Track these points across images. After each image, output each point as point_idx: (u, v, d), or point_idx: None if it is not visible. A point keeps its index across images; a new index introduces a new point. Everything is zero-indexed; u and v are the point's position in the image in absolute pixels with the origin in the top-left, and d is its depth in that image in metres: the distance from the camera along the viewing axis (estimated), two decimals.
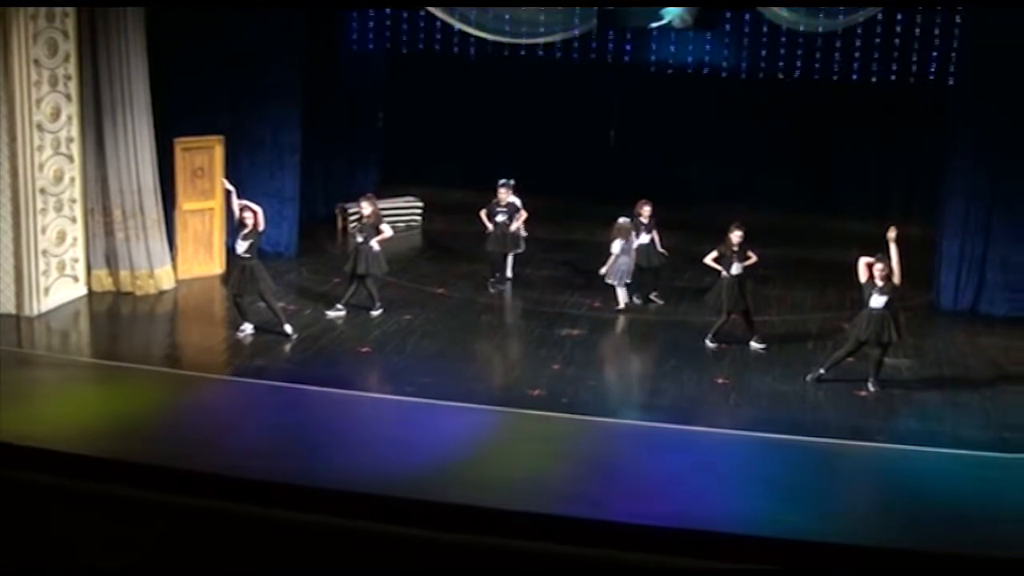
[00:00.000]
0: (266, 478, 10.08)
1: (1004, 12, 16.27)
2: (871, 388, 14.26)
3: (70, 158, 16.57)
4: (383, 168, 23.38)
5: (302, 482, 10.01)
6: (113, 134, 16.77)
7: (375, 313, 16.57)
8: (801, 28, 19.56)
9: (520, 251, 18.24)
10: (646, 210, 17.23)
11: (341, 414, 13.46)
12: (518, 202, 17.94)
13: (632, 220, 17.21)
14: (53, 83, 16.13)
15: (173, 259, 17.74)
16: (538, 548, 5.31)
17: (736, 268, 15.49)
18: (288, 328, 15.60)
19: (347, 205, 20.76)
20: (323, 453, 12.04)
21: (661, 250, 17.40)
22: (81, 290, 16.99)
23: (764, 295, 17.30)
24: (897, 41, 19.94)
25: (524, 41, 20.72)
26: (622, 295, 17.06)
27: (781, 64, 20.65)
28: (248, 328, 15.71)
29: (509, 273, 18.20)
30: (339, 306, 16.61)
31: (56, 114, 16.23)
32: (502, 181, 17.88)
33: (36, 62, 15.75)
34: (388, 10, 21.37)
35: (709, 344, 15.66)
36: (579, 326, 16.49)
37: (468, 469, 11.80)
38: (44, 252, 16.25)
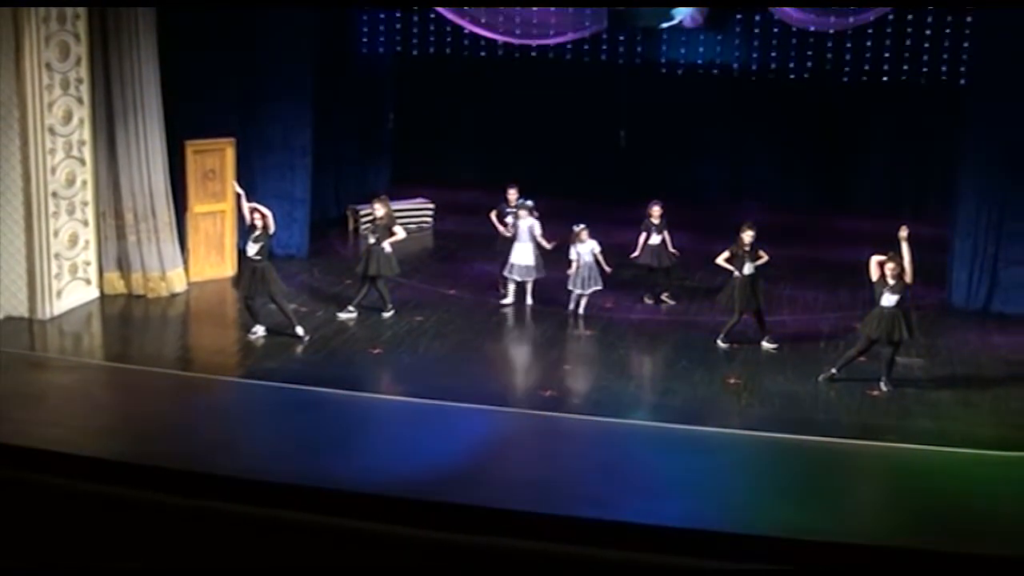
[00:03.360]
0: (278, 480, 10.08)
1: (1016, 11, 16.23)
2: (883, 387, 14.24)
3: (82, 161, 16.61)
4: (394, 170, 23.41)
5: (314, 484, 10.01)
6: (125, 137, 16.81)
7: (387, 314, 16.58)
8: (811, 28, 19.52)
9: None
10: (656, 210, 17.22)
11: (353, 416, 13.48)
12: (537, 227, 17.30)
13: (644, 221, 17.25)
14: (65, 86, 16.18)
15: (185, 261, 17.78)
16: (550, 549, 5.31)
17: (748, 268, 15.47)
18: (299, 330, 15.63)
19: (358, 207, 20.79)
20: (335, 455, 12.05)
21: (672, 250, 17.39)
22: (93, 293, 17.03)
23: (776, 295, 17.28)
24: (909, 40, 19.88)
25: (534, 42, 20.71)
26: (582, 304, 16.98)
27: (792, 63, 20.60)
28: (260, 330, 15.73)
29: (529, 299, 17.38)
30: (351, 308, 16.62)
31: (68, 117, 16.28)
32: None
33: (48, 66, 15.81)
34: (398, 12, 21.37)
35: (721, 344, 15.64)
36: (590, 326, 16.48)
37: (480, 470, 11.80)
38: (56, 255, 16.29)
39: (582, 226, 16.81)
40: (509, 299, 17.27)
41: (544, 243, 17.10)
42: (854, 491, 12.08)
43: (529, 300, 17.22)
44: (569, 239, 16.80)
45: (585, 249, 16.77)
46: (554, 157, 23.29)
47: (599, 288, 16.88)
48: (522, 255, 17.12)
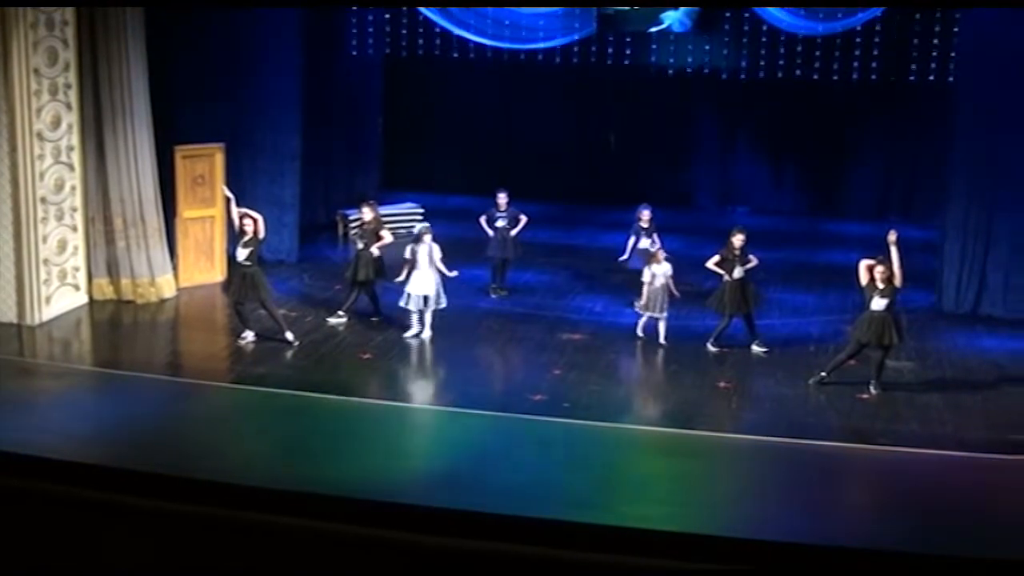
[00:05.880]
0: (268, 485, 10.06)
1: (1003, 12, 16.28)
2: (873, 391, 14.25)
3: (71, 167, 16.58)
4: (383, 174, 23.39)
5: (304, 489, 9.99)
6: (114, 142, 16.79)
7: (376, 319, 16.55)
8: (800, 32, 19.57)
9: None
10: (646, 214, 17.23)
11: (343, 420, 13.46)
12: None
13: (633, 225, 17.26)
14: (53, 92, 16.14)
15: (174, 267, 17.74)
16: (540, 553, 5.29)
17: (738, 271, 15.48)
18: (289, 335, 15.60)
19: (347, 211, 20.77)
20: (325, 460, 12.04)
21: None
22: (82, 299, 16.99)
23: (765, 298, 17.28)
24: (897, 43, 19.93)
25: (523, 46, 20.73)
26: (640, 325, 16.04)
27: (781, 67, 20.64)
28: (250, 335, 15.71)
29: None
30: (340, 313, 16.60)
31: (56, 123, 16.24)
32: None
33: (36, 71, 15.77)
34: (387, 14, 21.35)
35: (711, 348, 15.64)
36: (580, 331, 16.48)
37: (470, 474, 11.80)
38: (45, 261, 16.25)
39: (658, 246, 16.22)
40: (414, 330, 15.87)
41: (445, 270, 15.81)
42: (845, 495, 12.10)
43: (428, 332, 15.83)
44: (646, 260, 16.07)
45: (660, 271, 15.84)
46: (543, 161, 23.30)
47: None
48: (422, 284, 15.75)
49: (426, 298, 15.79)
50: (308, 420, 13.37)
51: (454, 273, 15.89)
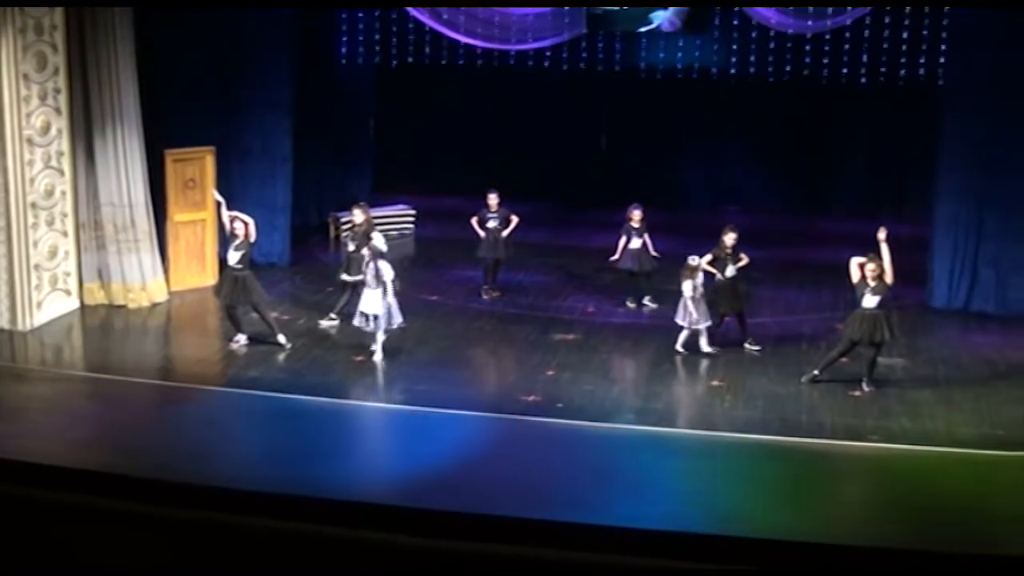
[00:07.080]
0: (261, 488, 10.05)
1: (991, 11, 16.33)
2: (865, 388, 14.27)
3: (61, 172, 16.55)
4: (375, 176, 23.38)
5: (298, 492, 9.98)
6: (104, 147, 16.76)
7: None
8: (789, 31, 19.58)
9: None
10: (636, 214, 17.25)
11: (336, 423, 13.46)
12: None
13: (624, 225, 17.28)
14: (43, 97, 16.11)
15: (165, 271, 17.73)
16: (535, 553, 5.29)
17: (730, 270, 15.50)
18: (282, 338, 15.58)
19: (339, 214, 20.76)
20: (318, 463, 12.02)
21: (653, 253, 17.41)
22: (74, 304, 16.96)
23: (757, 297, 17.29)
24: (886, 42, 19.95)
25: (514, 47, 20.72)
26: (704, 341, 15.52)
27: (771, 66, 20.65)
28: (242, 339, 15.69)
29: None
30: (332, 315, 16.59)
31: (46, 128, 16.22)
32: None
33: (25, 76, 15.74)
34: (377, 13, 21.30)
35: (704, 347, 15.64)
36: (573, 331, 16.49)
37: (464, 475, 11.78)
38: (36, 266, 16.22)
39: (697, 260, 15.49)
40: (379, 354, 15.11)
41: (391, 291, 14.98)
42: (838, 492, 12.11)
43: (380, 354, 15.08)
44: (682, 274, 15.46)
45: (699, 281, 15.43)
46: (535, 162, 23.31)
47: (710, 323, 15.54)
48: (369, 302, 15.04)
49: (375, 317, 14.99)
50: (301, 423, 13.36)
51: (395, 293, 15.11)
